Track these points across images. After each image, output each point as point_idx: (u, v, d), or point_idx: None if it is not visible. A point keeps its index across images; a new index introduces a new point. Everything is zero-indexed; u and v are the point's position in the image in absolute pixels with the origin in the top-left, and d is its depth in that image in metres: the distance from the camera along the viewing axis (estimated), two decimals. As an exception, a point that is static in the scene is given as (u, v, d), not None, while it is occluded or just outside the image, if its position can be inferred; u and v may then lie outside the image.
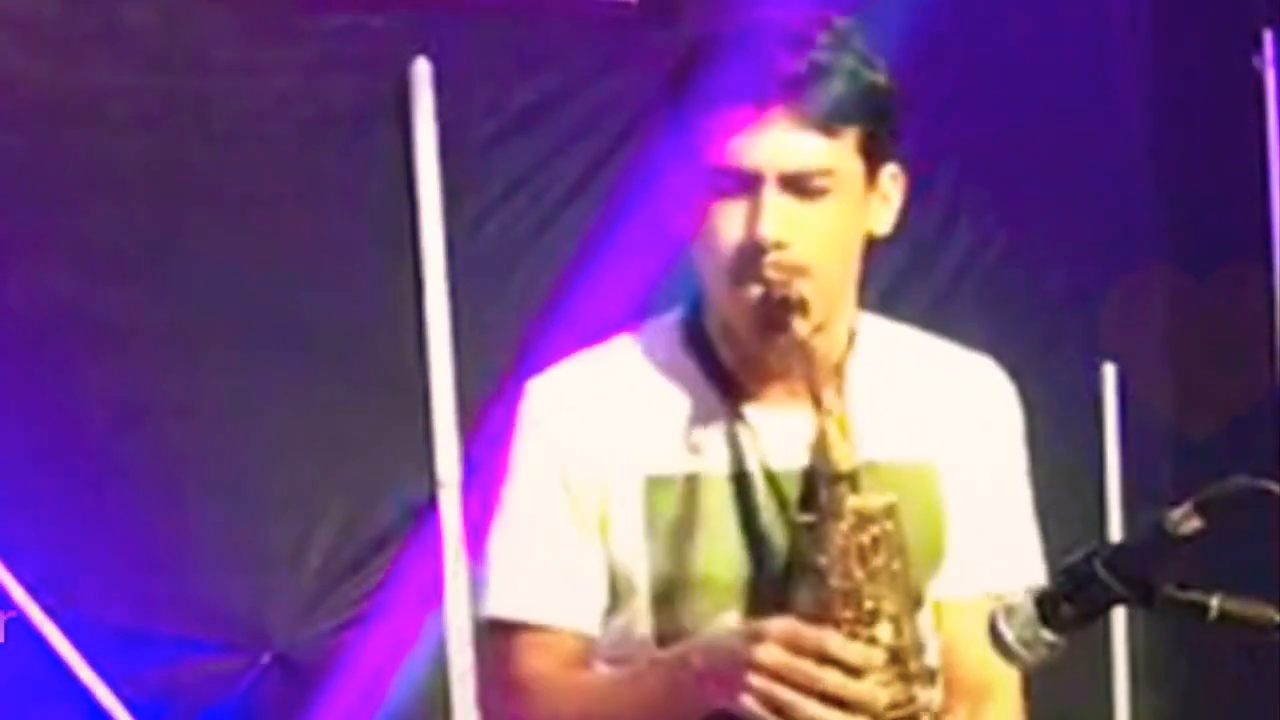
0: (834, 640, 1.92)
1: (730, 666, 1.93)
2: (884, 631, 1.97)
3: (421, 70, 3.58)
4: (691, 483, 2.09)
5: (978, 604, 2.12)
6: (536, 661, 2.12)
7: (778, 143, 2.00)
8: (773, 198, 2.01)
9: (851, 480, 1.97)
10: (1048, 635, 1.88)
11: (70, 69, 3.32)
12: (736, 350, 2.11)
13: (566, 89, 3.68)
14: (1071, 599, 1.88)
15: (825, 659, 1.90)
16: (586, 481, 2.11)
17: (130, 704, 3.23)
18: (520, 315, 3.54)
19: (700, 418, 2.12)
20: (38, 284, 3.26)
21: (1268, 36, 4.31)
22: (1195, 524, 1.84)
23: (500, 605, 2.14)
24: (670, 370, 2.14)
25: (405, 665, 3.46)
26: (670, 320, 2.18)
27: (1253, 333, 4.32)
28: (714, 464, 2.10)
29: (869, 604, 1.97)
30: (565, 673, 2.13)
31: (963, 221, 4.27)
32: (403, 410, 3.55)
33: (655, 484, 2.09)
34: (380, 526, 3.53)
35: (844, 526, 1.97)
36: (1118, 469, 4.36)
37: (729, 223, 2.03)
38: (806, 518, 2.02)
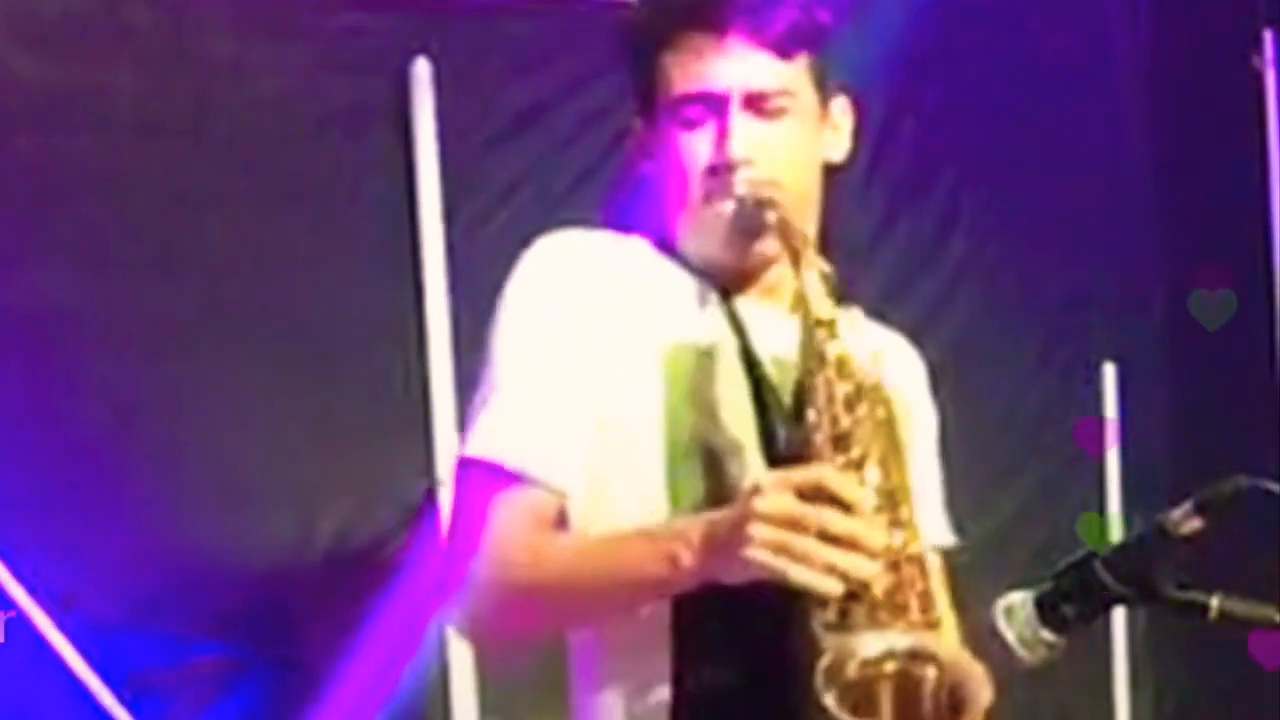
0: (829, 475, 1.95)
1: (732, 525, 1.95)
2: (873, 474, 2.01)
3: (421, 70, 3.58)
4: (709, 353, 2.17)
5: None
6: (503, 510, 2.10)
7: (739, 64, 2.16)
8: (738, 118, 2.15)
9: (831, 328, 2.06)
10: (1048, 635, 1.88)
11: (70, 69, 3.31)
12: (723, 270, 2.22)
13: (566, 89, 3.68)
14: (1071, 599, 1.88)
15: (822, 496, 1.92)
16: (590, 340, 2.15)
17: (130, 704, 3.23)
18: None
19: (704, 300, 2.21)
20: (38, 284, 3.26)
21: (1268, 36, 4.31)
22: (1195, 524, 1.84)
23: (476, 443, 2.14)
24: (672, 266, 2.24)
25: (405, 665, 3.46)
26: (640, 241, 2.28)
27: (1253, 332, 4.31)
28: (724, 339, 2.19)
29: (857, 449, 2.01)
30: (540, 534, 2.11)
31: (963, 222, 4.27)
32: (403, 410, 3.55)
33: (675, 350, 2.16)
34: (380, 526, 3.53)
35: (829, 373, 2.04)
36: (1118, 469, 4.36)
37: (697, 148, 2.17)
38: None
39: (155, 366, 3.33)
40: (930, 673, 1.92)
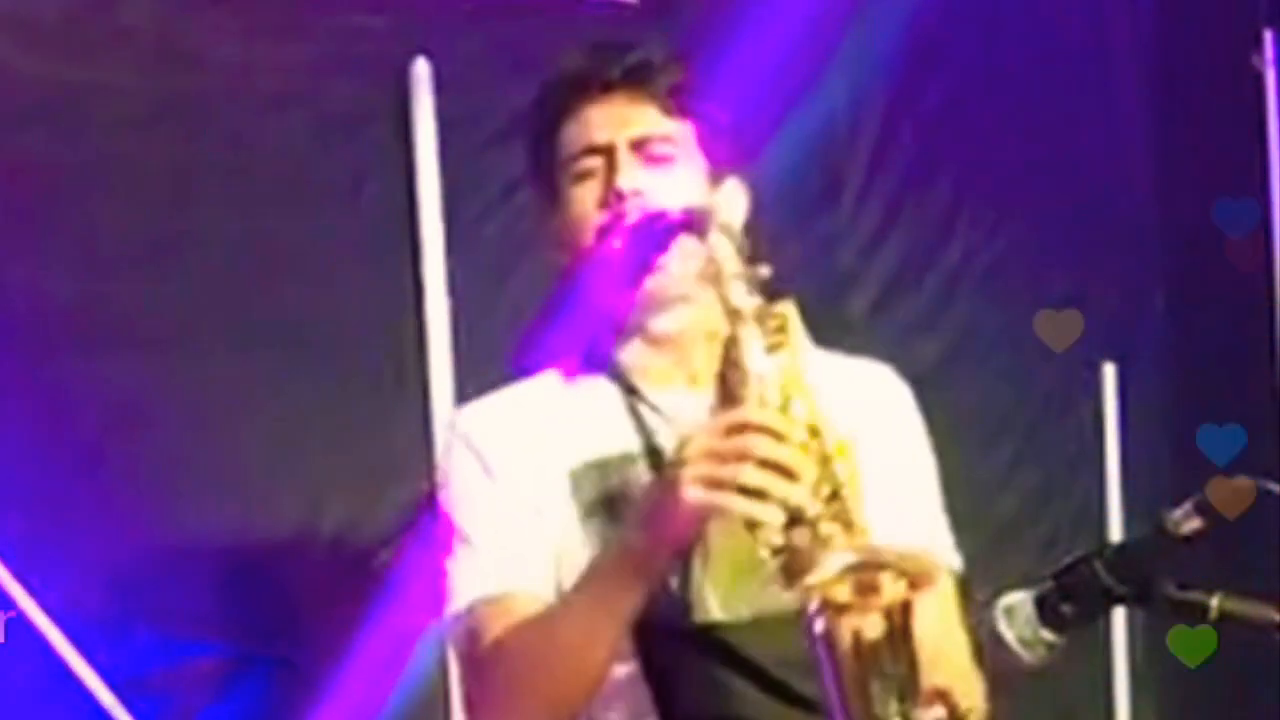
0: (752, 410, 2.02)
1: (666, 483, 2.04)
2: (799, 408, 2.04)
3: (421, 70, 3.58)
4: (610, 465, 2.24)
5: None
6: (499, 627, 2.20)
7: (622, 114, 2.29)
8: (625, 158, 2.26)
9: (745, 282, 2.09)
10: (1048, 635, 1.89)
11: (70, 69, 3.31)
12: (628, 344, 2.31)
13: (566, 89, 3.68)
14: (1071, 599, 1.88)
15: (747, 428, 1.99)
16: (517, 484, 2.25)
17: (130, 704, 3.23)
18: (520, 315, 3.54)
19: (610, 413, 2.29)
20: (38, 283, 3.26)
21: (1268, 36, 4.31)
22: (1195, 524, 1.84)
23: (458, 599, 2.25)
24: (578, 383, 2.33)
25: (405, 665, 3.46)
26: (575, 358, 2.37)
27: (1253, 333, 4.32)
28: (627, 446, 2.25)
29: (782, 393, 2.05)
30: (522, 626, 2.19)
31: (963, 221, 4.27)
32: (403, 410, 3.55)
33: (578, 473, 2.25)
34: (380, 526, 3.53)
35: (748, 326, 2.07)
36: (1118, 469, 4.36)
37: (590, 193, 2.28)
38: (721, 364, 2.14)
39: (155, 366, 3.33)
40: (888, 578, 1.95)
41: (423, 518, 3.51)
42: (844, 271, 4.08)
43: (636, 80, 2.29)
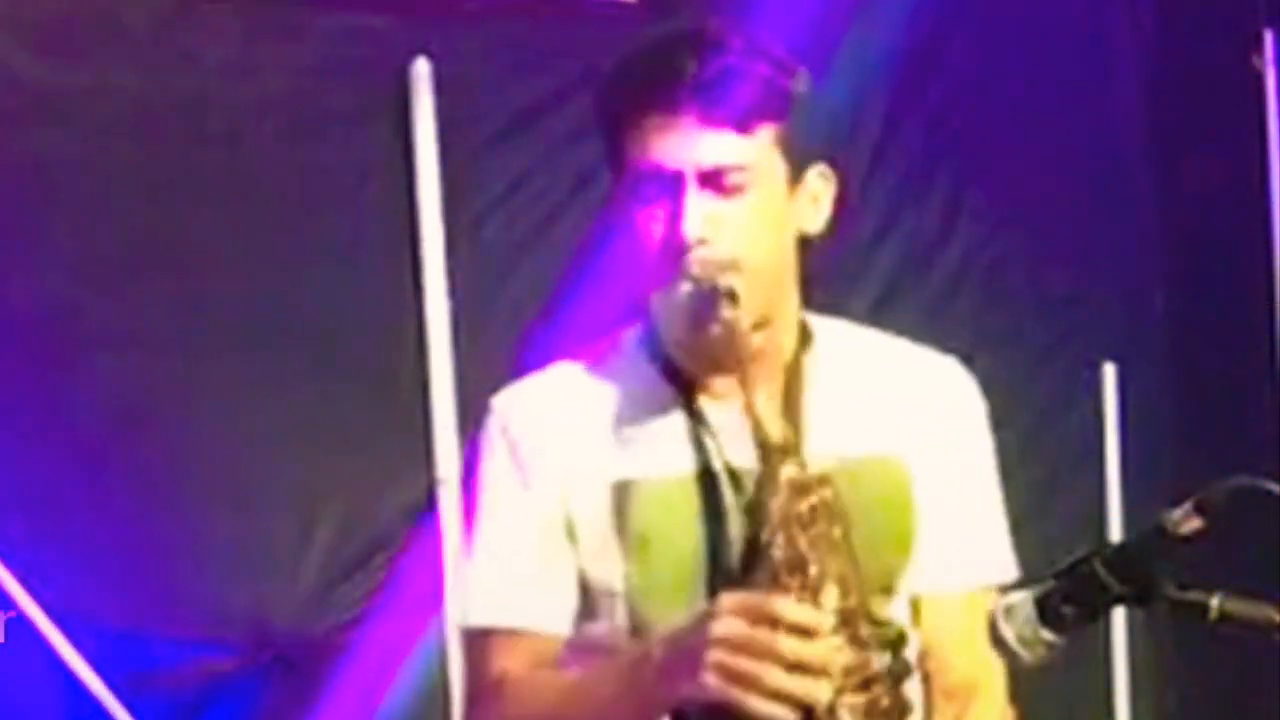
0: (782, 603, 1.94)
1: (688, 650, 1.96)
2: (830, 596, 1.99)
3: (421, 70, 3.58)
4: (656, 484, 2.14)
5: (955, 599, 2.19)
6: (505, 662, 2.17)
7: (691, 141, 2.08)
8: (693, 196, 2.08)
9: (783, 452, 2.02)
10: (1048, 635, 1.88)
11: (70, 69, 3.31)
12: (688, 352, 2.17)
13: (566, 89, 3.68)
14: (1071, 599, 1.88)
15: (778, 623, 1.92)
16: (551, 490, 2.16)
17: (130, 704, 3.23)
18: (520, 315, 3.54)
19: (663, 421, 2.17)
20: (37, 283, 3.26)
21: (1268, 36, 4.31)
22: (1195, 524, 1.84)
23: (472, 615, 2.21)
24: (632, 378, 2.21)
25: (405, 665, 3.46)
26: (633, 331, 2.24)
27: (1253, 332, 4.32)
28: (678, 465, 2.15)
29: (813, 570, 1.99)
30: (533, 672, 2.16)
31: (963, 221, 4.27)
32: (402, 410, 3.55)
33: (621, 488, 2.14)
34: (380, 526, 3.53)
35: (781, 498, 2.00)
36: (1118, 469, 4.36)
37: (653, 226, 2.10)
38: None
39: (155, 365, 3.33)
40: None
41: (422, 519, 3.52)
42: (844, 272, 4.08)
43: (710, 98, 2.08)
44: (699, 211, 2.08)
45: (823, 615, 1.96)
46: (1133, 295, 4.46)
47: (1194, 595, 1.87)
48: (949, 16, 4.16)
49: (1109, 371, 4.36)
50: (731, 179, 2.09)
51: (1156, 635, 4.34)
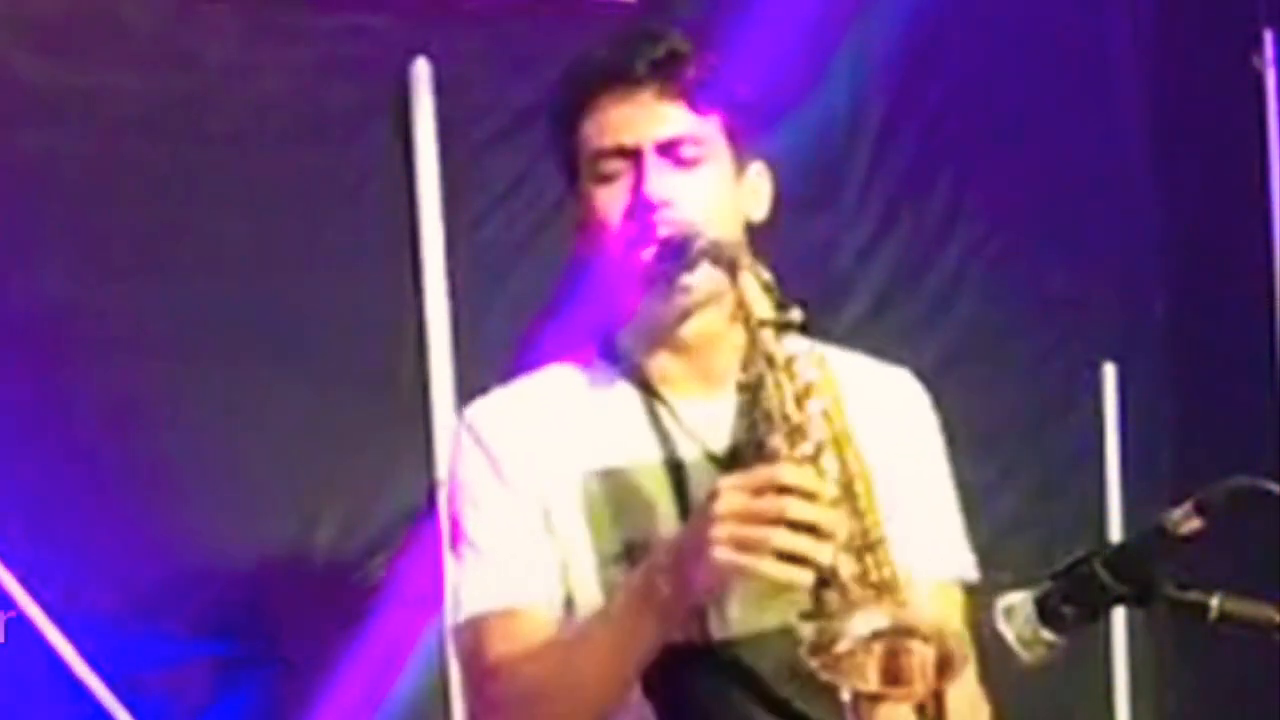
0: (785, 469, 1.98)
1: (694, 536, 2.00)
2: (830, 463, 2.02)
3: (421, 70, 3.58)
4: (626, 474, 2.20)
5: (924, 584, 2.17)
6: (501, 646, 2.18)
7: (648, 114, 2.20)
8: (654, 164, 2.18)
9: (775, 328, 2.07)
10: (1047, 635, 1.88)
11: (70, 69, 3.31)
12: (650, 350, 2.25)
13: (566, 89, 3.68)
14: (1071, 599, 1.88)
15: (781, 490, 1.95)
16: (528, 486, 2.21)
17: (130, 704, 3.23)
18: (520, 315, 3.54)
19: (627, 415, 2.24)
20: (37, 283, 3.26)
21: (1268, 36, 4.31)
22: (1195, 524, 1.84)
23: (464, 608, 2.23)
24: (594, 380, 2.28)
25: (405, 665, 3.46)
26: (589, 348, 2.32)
27: (1253, 333, 4.31)
28: (646, 454, 2.21)
29: (813, 439, 2.02)
30: (532, 644, 2.17)
31: (962, 221, 4.26)
32: (403, 410, 3.55)
33: (591, 479, 2.20)
34: (380, 526, 3.53)
35: (777, 374, 2.05)
36: (1117, 469, 4.36)
37: (615, 198, 2.20)
38: (743, 377, 2.11)
39: (155, 366, 3.33)
40: (917, 645, 1.93)
41: (422, 519, 3.52)
42: (844, 272, 4.08)
43: (665, 76, 2.20)
44: (660, 178, 2.18)
45: (824, 482, 1.98)
46: (1133, 295, 4.46)
47: (1194, 595, 1.88)
48: (948, 18, 4.16)
49: (1109, 372, 4.36)
50: (688, 150, 2.20)
51: (1156, 635, 4.33)
